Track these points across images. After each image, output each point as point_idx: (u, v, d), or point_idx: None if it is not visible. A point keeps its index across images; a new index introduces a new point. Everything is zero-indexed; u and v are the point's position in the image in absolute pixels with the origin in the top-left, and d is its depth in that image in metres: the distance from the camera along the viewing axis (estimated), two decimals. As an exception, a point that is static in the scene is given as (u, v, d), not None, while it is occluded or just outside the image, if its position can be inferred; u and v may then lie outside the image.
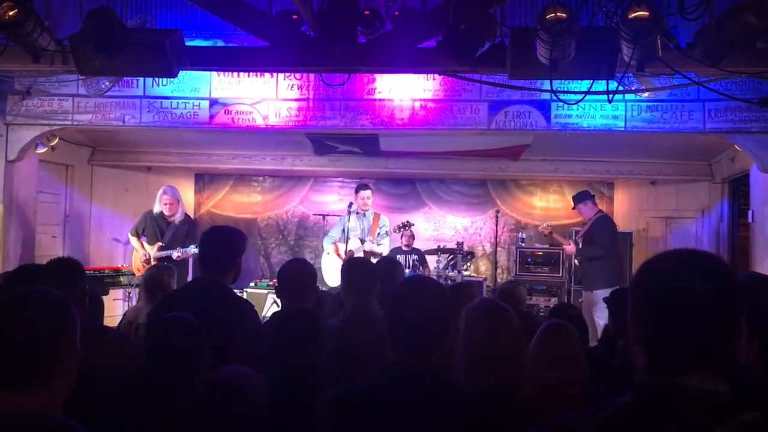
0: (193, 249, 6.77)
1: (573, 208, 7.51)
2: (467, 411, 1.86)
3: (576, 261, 7.47)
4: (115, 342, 2.88)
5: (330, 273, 7.31)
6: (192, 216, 9.72)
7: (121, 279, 7.32)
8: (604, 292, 6.48)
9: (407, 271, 6.95)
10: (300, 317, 2.99)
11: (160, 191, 7.10)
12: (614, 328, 3.33)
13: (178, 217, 7.06)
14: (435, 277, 7.14)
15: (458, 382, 2.18)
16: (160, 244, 6.94)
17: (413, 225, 7.62)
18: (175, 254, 6.82)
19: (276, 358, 2.59)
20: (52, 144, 7.18)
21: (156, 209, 7.06)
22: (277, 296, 3.20)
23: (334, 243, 7.36)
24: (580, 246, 7.22)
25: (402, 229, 7.43)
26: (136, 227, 7.14)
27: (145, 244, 7.02)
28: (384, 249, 7.33)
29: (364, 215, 7.28)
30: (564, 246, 7.44)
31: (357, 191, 7.42)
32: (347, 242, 7.08)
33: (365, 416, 1.85)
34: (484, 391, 2.11)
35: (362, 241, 7.12)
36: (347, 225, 7.16)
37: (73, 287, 2.87)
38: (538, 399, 2.16)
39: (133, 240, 7.11)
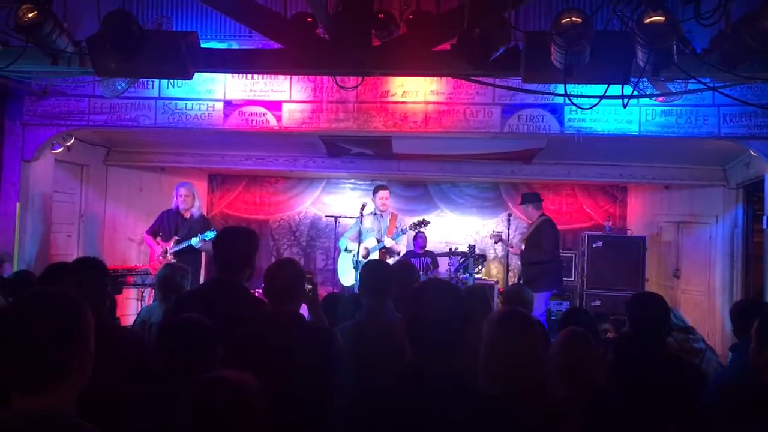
0: (210, 234, 6.87)
1: (520, 204, 7.73)
2: (484, 413, 1.88)
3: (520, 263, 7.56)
4: (131, 342, 2.90)
5: (344, 272, 7.35)
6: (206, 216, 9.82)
7: (133, 279, 7.36)
8: (542, 296, 6.90)
9: (421, 273, 6.94)
10: (287, 319, 2.95)
11: (176, 187, 7.20)
12: (633, 333, 3.32)
13: (195, 212, 7.13)
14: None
15: (481, 385, 2.19)
16: (176, 238, 6.99)
17: (429, 223, 7.57)
18: (196, 241, 6.85)
19: (263, 360, 2.53)
20: (67, 144, 7.24)
21: (172, 206, 7.15)
22: (264, 297, 3.14)
23: (348, 241, 7.38)
24: (523, 248, 7.37)
25: (418, 227, 7.39)
26: (153, 227, 7.20)
27: (161, 242, 7.10)
28: (402, 247, 7.31)
29: (381, 216, 7.26)
30: (510, 250, 7.54)
31: (375, 192, 7.41)
32: (359, 243, 7.07)
33: (383, 416, 1.87)
34: (503, 395, 2.12)
35: (379, 241, 7.10)
36: (362, 226, 7.17)
37: (95, 287, 2.90)
38: (550, 412, 2.16)
39: (149, 240, 7.17)
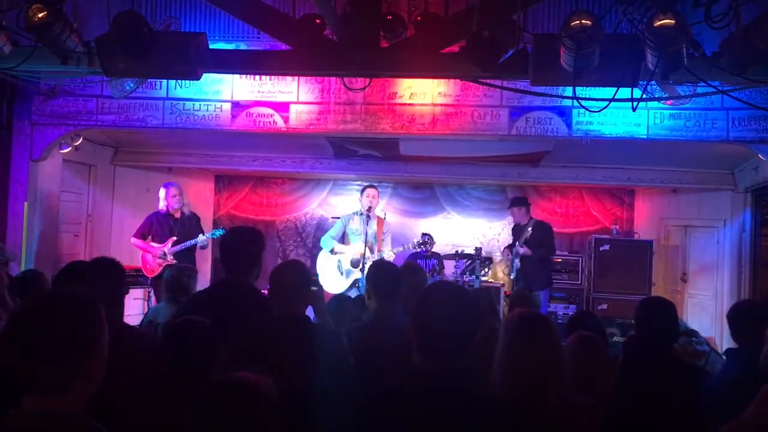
0: (218, 233, 6.93)
1: (509, 207, 7.81)
2: (492, 416, 1.87)
3: (516, 262, 7.37)
4: (144, 343, 2.91)
5: (329, 278, 6.89)
6: (212, 217, 9.84)
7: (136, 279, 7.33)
8: (544, 294, 7.10)
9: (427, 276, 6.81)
10: (294, 324, 2.92)
11: (164, 189, 7.11)
12: (641, 337, 3.31)
13: (185, 211, 7.11)
14: (452, 283, 7.07)
15: (493, 387, 2.18)
16: (174, 239, 6.95)
17: (434, 242, 7.59)
18: (203, 239, 6.87)
19: (269, 363, 2.49)
20: (75, 144, 7.25)
21: (161, 206, 7.07)
22: (270, 299, 3.11)
23: (335, 242, 7.02)
24: (519, 249, 7.34)
25: (423, 245, 7.33)
26: (142, 230, 7.10)
27: (154, 244, 7.01)
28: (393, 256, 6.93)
29: (369, 217, 6.80)
30: (518, 250, 7.36)
31: (363, 191, 6.96)
32: (347, 244, 6.95)
33: (391, 420, 1.86)
34: (514, 398, 2.11)
35: (370, 249, 6.67)
36: (348, 227, 6.95)
37: (112, 288, 2.90)
38: (566, 418, 2.15)
39: (138, 243, 7.06)
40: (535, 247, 7.24)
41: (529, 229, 7.36)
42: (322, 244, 7.15)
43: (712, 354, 4.76)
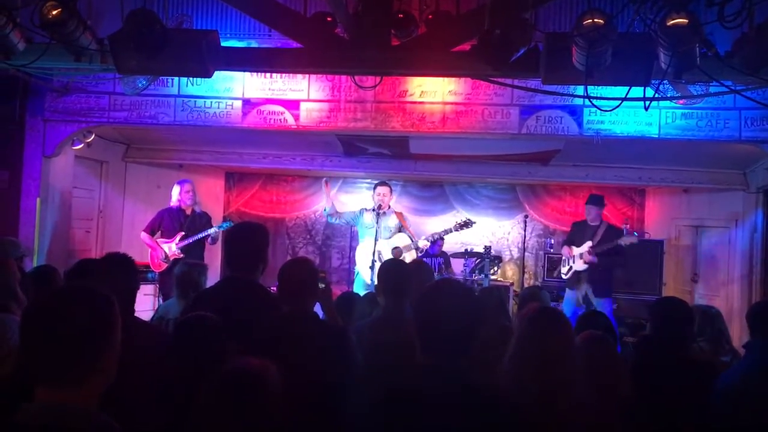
0: (225, 225, 6.95)
1: (588, 203, 7.38)
2: (495, 415, 1.87)
3: (579, 263, 6.98)
4: (156, 339, 2.92)
5: (362, 265, 6.83)
6: (222, 214, 9.87)
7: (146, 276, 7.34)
8: (609, 302, 6.74)
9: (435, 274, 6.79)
10: (302, 320, 2.94)
11: (178, 186, 7.15)
12: (655, 336, 3.30)
13: (197, 208, 7.15)
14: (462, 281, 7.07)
15: (502, 385, 2.19)
16: (182, 233, 6.96)
17: (475, 222, 7.21)
18: (214, 231, 6.91)
19: (277, 359, 2.54)
20: (87, 140, 7.30)
21: (173, 202, 7.10)
22: (278, 295, 3.11)
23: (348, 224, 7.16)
24: (586, 254, 6.92)
25: (463, 227, 7.03)
26: (152, 225, 7.11)
27: (161, 240, 7.02)
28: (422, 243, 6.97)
29: (384, 214, 6.79)
30: (586, 255, 6.94)
31: (374, 188, 6.99)
32: (361, 238, 6.95)
33: (395, 417, 1.86)
34: (522, 395, 2.11)
35: (413, 241, 6.77)
36: (362, 219, 6.92)
37: (125, 284, 2.92)
38: (574, 416, 2.15)
39: (147, 239, 7.05)
40: (608, 253, 6.85)
41: (601, 232, 7.00)
42: (324, 210, 7.27)
43: (734, 364, 4.68)
